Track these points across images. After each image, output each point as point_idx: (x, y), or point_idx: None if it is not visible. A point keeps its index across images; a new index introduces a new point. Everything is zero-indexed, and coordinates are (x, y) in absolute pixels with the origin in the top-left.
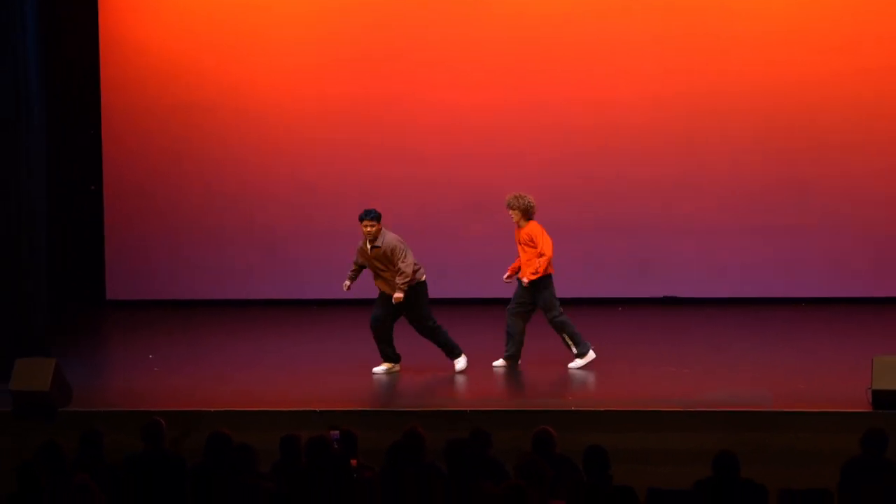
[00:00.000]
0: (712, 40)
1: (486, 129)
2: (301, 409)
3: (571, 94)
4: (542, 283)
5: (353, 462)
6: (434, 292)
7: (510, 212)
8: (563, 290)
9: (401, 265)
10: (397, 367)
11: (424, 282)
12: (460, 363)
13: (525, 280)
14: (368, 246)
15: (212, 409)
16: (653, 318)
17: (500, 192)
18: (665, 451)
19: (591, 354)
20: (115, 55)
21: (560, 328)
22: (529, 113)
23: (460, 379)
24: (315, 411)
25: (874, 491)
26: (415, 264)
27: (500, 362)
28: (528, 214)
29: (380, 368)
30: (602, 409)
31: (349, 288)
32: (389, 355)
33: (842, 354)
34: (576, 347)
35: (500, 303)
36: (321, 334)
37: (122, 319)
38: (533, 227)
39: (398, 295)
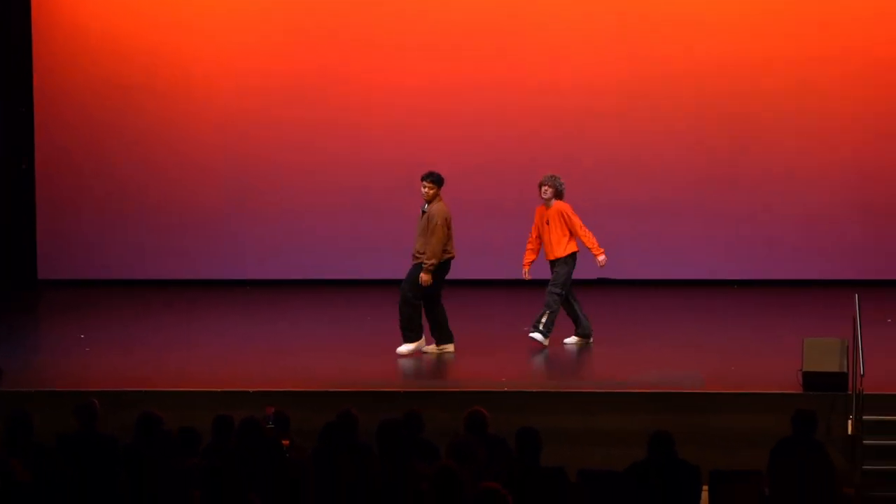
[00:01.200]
0: (650, 26)
1: (426, 108)
2: (235, 389)
3: (511, 77)
4: (571, 259)
5: (286, 442)
6: (370, 272)
7: (544, 188)
8: (501, 271)
9: (432, 238)
10: (450, 348)
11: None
12: (404, 348)
13: (602, 259)
14: (423, 209)
15: (144, 389)
16: (587, 299)
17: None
18: (598, 433)
19: (544, 341)
20: (47, 32)
21: (548, 305)
22: (470, 94)
23: (394, 360)
24: (248, 392)
25: (804, 471)
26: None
27: (572, 339)
28: (560, 195)
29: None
30: (535, 390)
31: None
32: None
33: (773, 336)
34: (540, 325)
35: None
36: (257, 315)
37: (54, 299)
38: (565, 206)
39: (424, 276)
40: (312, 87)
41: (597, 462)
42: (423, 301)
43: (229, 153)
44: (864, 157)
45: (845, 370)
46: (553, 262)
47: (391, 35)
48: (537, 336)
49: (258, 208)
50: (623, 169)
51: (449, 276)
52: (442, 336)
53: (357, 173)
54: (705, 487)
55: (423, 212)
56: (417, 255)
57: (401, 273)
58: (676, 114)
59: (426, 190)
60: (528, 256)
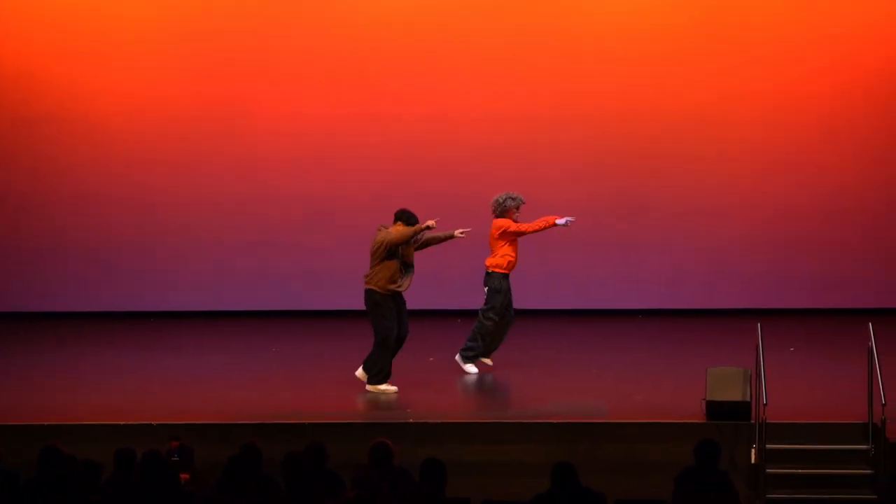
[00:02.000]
0: (550, 59)
1: (327, 139)
2: (138, 422)
3: (412, 109)
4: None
5: (185, 476)
6: (275, 304)
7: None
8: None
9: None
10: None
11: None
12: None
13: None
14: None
15: (46, 423)
16: None
17: (340, 202)
18: (503, 463)
19: (472, 368)
20: None
21: (479, 328)
22: (369, 125)
23: (297, 392)
24: (152, 424)
25: (707, 500)
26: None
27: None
28: (501, 213)
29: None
30: (440, 421)
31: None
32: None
33: (677, 365)
34: (467, 351)
35: (341, 315)
36: (160, 347)
37: None
38: (497, 222)
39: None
40: (217, 120)
41: (502, 493)
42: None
43: (134, 186)
44: (768, 188)
45: (748, 399)
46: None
47: (295, 67)
48: (459, 360)
49: (161, 241)
50: (527, 200)
51: (342, 307)
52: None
53: (259, 206)
54: None
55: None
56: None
57: (305, 303)
58: (581, 145)
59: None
60: None
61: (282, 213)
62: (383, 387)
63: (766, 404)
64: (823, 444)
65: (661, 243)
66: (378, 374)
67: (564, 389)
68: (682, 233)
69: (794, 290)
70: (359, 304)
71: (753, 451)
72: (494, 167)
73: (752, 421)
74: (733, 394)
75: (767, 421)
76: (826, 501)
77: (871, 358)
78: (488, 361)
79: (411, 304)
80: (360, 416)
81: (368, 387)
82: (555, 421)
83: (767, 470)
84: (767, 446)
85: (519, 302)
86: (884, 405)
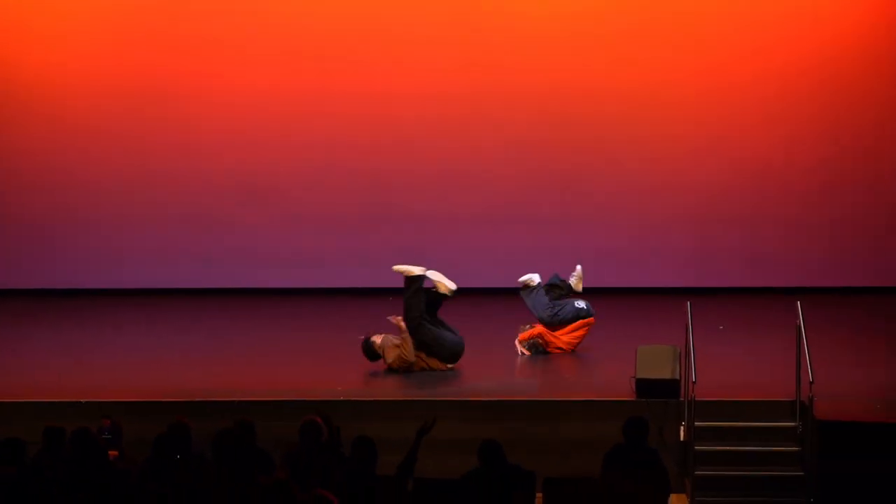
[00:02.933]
0: (489, 37)
1: (258, 116)
2: (66, 399)
3: (348, 85)
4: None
5: (113, 454)
6: (201, 281)
7: None
8: (338, 280)
9: None
10: None
11: None
12: None
13: None
14: None
15: None
16: None
17: (273, 179)
18: (434, 441)
19: None
20: None
21: None
22: (304, 102)
23: (228, 370)
24: (81, 402)
25: (636, 477)
26: None
27: None
28: None
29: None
30: (371, 399)
31: None
32: None
33: (607, 343)
34: None
35: (274, 293)
36: (88, 325)
37: None
38: None
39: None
40: (154, 94)
41: (433, 470)
42: None
43: (69, 161)
44: (699, 168)
45: (677, 377)
46: None
47: (234, 41)
48: None
49: (97, 217)
50: (461, 177)
51: (293, 285)
52: None
53: (189, 183)
54: (539, 494)
55: None
56: None
57: (236, 281)
58: (517, 122)
59: None
60: None
61: (217, 190)
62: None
63: (695, 382)
64: (751, 422)
65: (594, 221)
66: None
67: (496, 368)
68: (615, 211)
69: (723, 268)
70: (292, 281)
71: (682, 428)
72: (433, 143)
73: (681, 399)
74: (662, 371)
75: (696, 399)
76: (754, 478)
77: (799, 336)
78: None
79: (342, 280)
80: (290, 393)
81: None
82: (485, 399)
83: (696, 447)
84: (696, 424)
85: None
86: (811, 383)
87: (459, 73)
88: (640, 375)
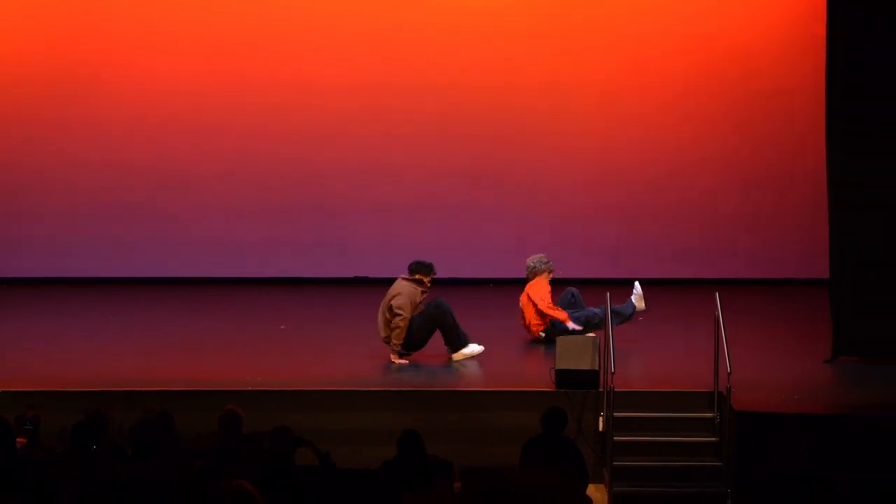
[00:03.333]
0: (407, 29)
1: (181, 104)
2: None
3: (267, 74)
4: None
5: (21, 441)
6: (126, 271)
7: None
8: (253, 270)
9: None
10: None
11: None
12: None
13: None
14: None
15: None
16: (345, 297)
17: (190, 168)
18: (353, 431)
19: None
20: None
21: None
22: (230, 90)
23: (148, 360)
24: None
25: (554, 467)
26: None
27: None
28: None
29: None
30: (290, 388)
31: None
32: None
33: (526, 335)
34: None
35: (193, 282)
36: (6, 315)
37: None
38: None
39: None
40: (68, 82)
41: (352, 460)
42: None
43: None
44: (615, 160)
45: (597, 368)
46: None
47: (148, 31)
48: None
49: (8, 205)
50: (379, 168)
51: (195, 275)
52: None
53: (104, 171)
54: (457, 484)
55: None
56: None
57: (154, 271)
58: (433, 114)
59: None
60: None
61: (132, 178)
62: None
63: (614, 373)
64: (670, 412)
65: (512, 213)
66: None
67: (416, 358)
68: (530, 203)
69: (642, 260)
70: (207, 271)
71: (601, 419)
72: (349, 133)
73: (601, 389)
74: (582, 362)
75: (615, 389)
76: (672, 468)
77: (717, 327)
78: None
79: (256, 271)
80: (209, 384)
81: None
82: (404, 389)
83: (615, 437)
84: (615, 414)
85: (373, 270)
86: (729, 374)
87: (380, 65)
88: (560, 366)
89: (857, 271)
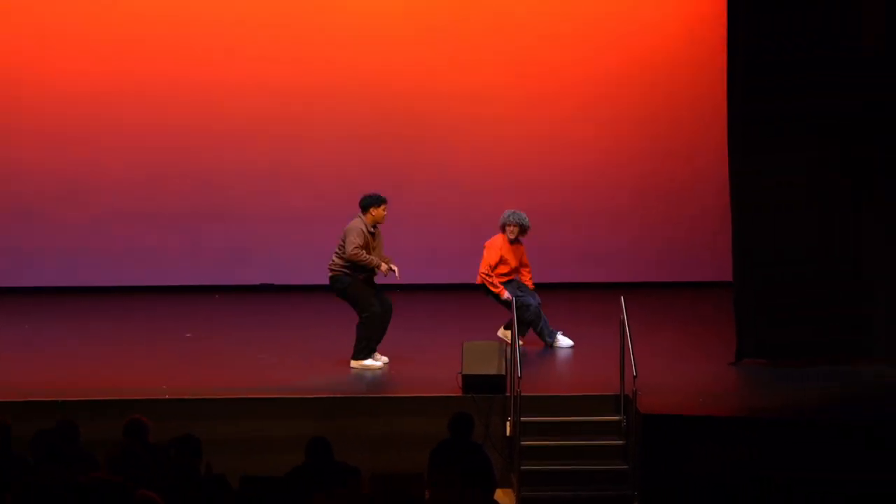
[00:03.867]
0: (313, 31)
1: (90, 108)
2: None
3: (175, 75)
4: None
5: None
6: (29, 280)
7: (511, 227)
8: (161, 278)
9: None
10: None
11: None
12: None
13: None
14: (375, 230)
15: None
16: (249, 305)
17: (95, 176)
18: (261, 438)
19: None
20: None
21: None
22: (131, 93)
23: (49, 369)
24: None
25: (462, 472)
26: None
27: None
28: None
29: (382, 360)
30: (197, 397)
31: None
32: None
33: (433, 340)
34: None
35: (96, 291)
36: None
37: None
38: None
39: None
40: None
41: (258, 468)
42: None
43: None
44: (525, 164)
45: (503, 372)
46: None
47: (49, 33)
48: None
49: None
50: (292, 173)
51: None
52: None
53: (15, 179)
54: (365, 490)
55: (376, 232)
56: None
57: (61, 279)
58: (348, 117)
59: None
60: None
61: (37, 187)
62: (368, 361)
63: (520, 377)
64: (577, 416)
65: (420, 218)
66: (363, 349)
67: (323, 365)
68: (441, 207)
69: (549, 264)
70: (113, 279)
71: (508, 423)
72: (264, 137)
73: (507, 394)
74: (489, 367)
75: (522, 394)
76: (579, 472)
77: (622, 331)
78: None
79: (168, 278)
80: (114, 392)
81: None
82: (311, 396)
83: (522, 442)
84: (522, 419)
85: (278, 278)
86: (635, 377)
87: (293, 65)
88: (467, 371)
89: (760, 273)
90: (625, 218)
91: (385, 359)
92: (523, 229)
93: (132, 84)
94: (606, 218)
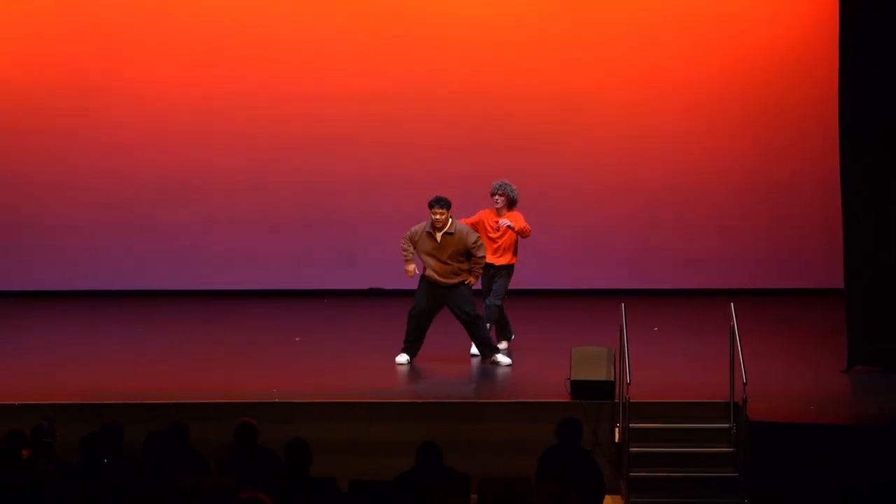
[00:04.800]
0: (420, 40)
1: (192, 115)
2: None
3: (281, 87)
4: (512, 269)
5: (25, 452)
6: (141, 283)
7: (497, 197)
8: (272, 281)
9: (480, 252)
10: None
11: None
12: (502, 358)
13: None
14: (437, 234)
15: None
16: (358, 309)
17: (204, 179)
18: (369, 443)
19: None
20: None
21: (490, 318)
22: (238, 102)
23: (163, 371)
24: (14, 405)
25: (571, 479)
26: None
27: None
28: (513, 203)
29: (403, 359)
30: (306, 400)
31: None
32: (416, 349)
33: (542, 345)
34: (503, 335)
35: (205, 294)
36: (21, 327)
37: None
38: (517, 215)
39: (473, 279)
40: (78, 92)
41: (367, 472)
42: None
43: None
44: (634, 170)
45: (612, 378)
46: (497, 269)
47: (158, 42)
48: (504, 359)
49: (8, 218)
50: (393, 181)
51: (208, 287)
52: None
53: (113, 182)
54: (474, 496)
55: (448, 234)
56: (458, 271)
57: (172, 283)
58: (451, 124)
59: (439, 217)
60: None
61: (148, 191)
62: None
63: (629, 383)
64: (686, 423)
65: (531, 223)
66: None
67: (432, 370)
68: (549, 213)
69: (658, 270)
70: (226, 283)
71: (617, 429)
72: (365, 144)
73: (616, 400)
74: (597, 373)
75: (631, 400)
76: (688, 479)
77: (732, 337)
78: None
79: (278, 282)
80: (225, 395)
81: None
82: (420, 401)
83: (631, 448)
84: (631, 425)
85: (386, 282)
86: (745, 384)
87: (393, 74)
88: (575, 377)
89: (872, 279)
90: (731, 224)
91: (406, 358)
92: (511, 202)
93: (245, 92)
94: (712, 223)
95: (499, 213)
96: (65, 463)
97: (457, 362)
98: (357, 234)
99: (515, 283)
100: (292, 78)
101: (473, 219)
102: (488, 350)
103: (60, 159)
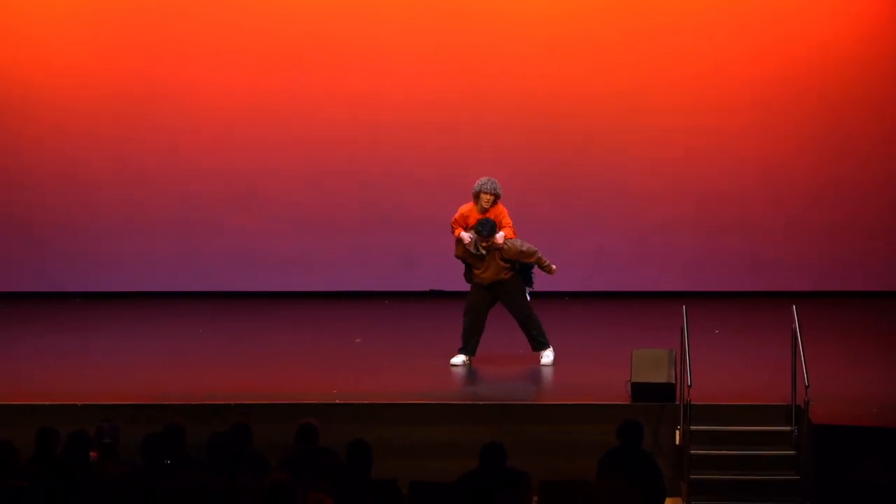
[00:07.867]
0: (480, 40)
1: (250, 118)
2: (63, 402)
3: (339, 89)
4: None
5: (93, 454)
6: (201, 285)
7: (485, 196)
8: (332, 283)
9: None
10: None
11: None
12: (548, 356)
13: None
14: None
15: None
16: (418, 310)
17: (265, 182)
18: (430, 444)
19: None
20: None
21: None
22: (301, 103)
23: (223, 372)
24: (77, 405)
25: (632, 480)
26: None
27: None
28: (498, 199)
29: (459, 360)
30: (367, 402)
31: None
32: (474, 347)
33: (602, 347)
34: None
35: (267, 296)
36: (84, 328)
37: None
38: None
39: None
40: (145, 94)
41: (428, 474)
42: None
43: (60, 162)
44: (694, 171)
45: (673, 381)
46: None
47: (215, 43)
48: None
49: (76, 220)
50: (455, 183)
51: (269, 289)
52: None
53: (182, 186)
54: (535, 497)
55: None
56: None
57: (234, 284)
58: (509, 125)
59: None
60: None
61: (210, 193)
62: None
63: (690, 386)
64: (747, 426)
65: (587, 224)
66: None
67: (492, 372)
68: (609, 214)
69: (719, 272)
70: (286, 285)
71: (678, 432)
72: (424, 147)
73: (677, 402)
74: (658, 375)
75: (692, 402)
76: (750, 482)
77: (794, 340)
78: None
79: (337, 284)
80: (286, 396)
81: None
82: (481, 403)
83: (691, 451)
84: (692, 428)
85: (446, 284)
86: (807, 387)
87: (451, 77)
88: (636, 379)
89: None
90: (793, 225)
91: (463, 359)
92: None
93: (308, 95)
94: (774, 226)
95: (484, 211)
96: (131, 464)
97: (516, 363)
98: (417, 237)
99: (576, 284)
100: (355, 82)
101: (457, 215)
102: (536, 345)
103: (129, 163)
